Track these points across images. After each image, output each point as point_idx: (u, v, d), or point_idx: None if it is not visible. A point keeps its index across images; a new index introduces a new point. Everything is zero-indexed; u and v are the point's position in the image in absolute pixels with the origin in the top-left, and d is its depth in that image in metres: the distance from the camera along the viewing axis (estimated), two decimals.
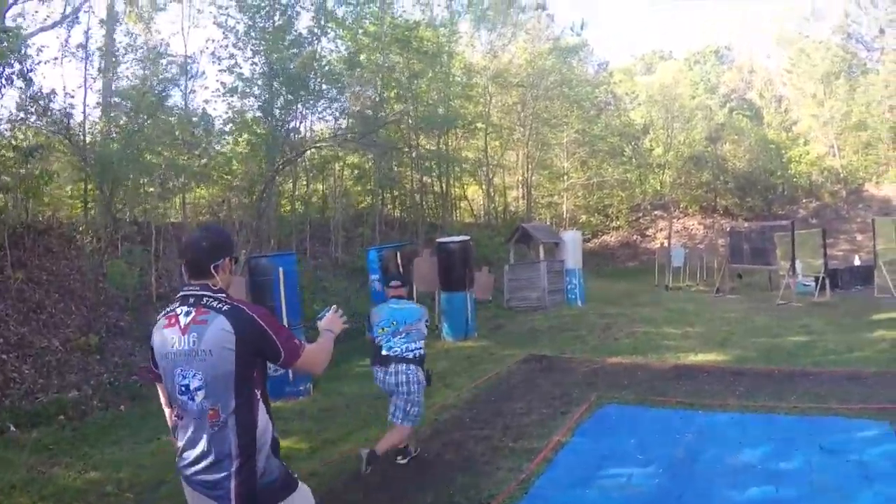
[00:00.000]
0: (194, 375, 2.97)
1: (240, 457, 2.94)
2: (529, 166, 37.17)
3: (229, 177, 21.78)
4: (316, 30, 23.35)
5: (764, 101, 49.97)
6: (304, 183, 25.94)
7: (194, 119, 20.84)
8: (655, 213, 43.44)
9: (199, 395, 2.97)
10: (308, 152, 24.07)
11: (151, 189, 19.75)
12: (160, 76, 20.69)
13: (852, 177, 42.98)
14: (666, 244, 31.83)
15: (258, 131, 21.78)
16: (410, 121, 29.12)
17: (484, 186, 35.67)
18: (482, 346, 14.26)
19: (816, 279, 20.06)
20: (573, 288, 20.82)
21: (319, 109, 25.16)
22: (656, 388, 9.43)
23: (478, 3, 34.73)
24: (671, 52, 64.14)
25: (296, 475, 3.29)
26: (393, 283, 7.00)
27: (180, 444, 3.09)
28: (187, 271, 3.19)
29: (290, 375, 10.12)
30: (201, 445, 2.98)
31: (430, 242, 20.05)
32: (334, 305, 3.81)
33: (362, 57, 26.98)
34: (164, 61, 21.23)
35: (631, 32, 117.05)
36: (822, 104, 43.35)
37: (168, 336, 3.06)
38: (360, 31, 27.07)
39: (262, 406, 3.10)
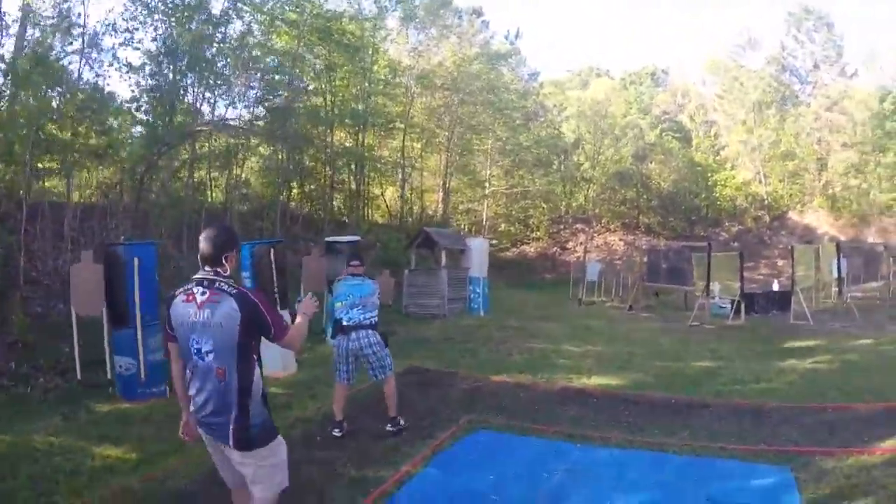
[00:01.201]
0: (206, 341, 3.79)
1: (238, 404, 3.80)
2: (449, 170, 36.05)
3: (120, 157, 20.09)
4: (231, 11, 21.91)
5: (694, 124, 50.20)
6: (205, 171, 24.36)
7: (86, 94, 19.06)
8: (577, 226, 42.81)
9: (210, 357, 3.80)
10: (213, 140, 22.67)
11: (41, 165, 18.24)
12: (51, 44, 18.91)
13: (776, 203, 43.39)
14: (582, 258, 31.02)
15: (137, 115, 20.34)
16: (326, 114, 27.79)
17: (399, 188, 34.44)
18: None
19: (732, 301, 19.42)
20: (476, 297, 19.90)
21: (221, 94, 23.61)
22: (537, 414, 8.41)
23: (409, 0, 33.42)
24: (608, 70, 64.10)
25: (276, 427, 4.12)
26: (352, 262, 7.78)
27: (191, 392, 3.95)
28: (202, 260, 3.94)
29: (142, 376, 9.47)
30: (208, 395, 3.85)
31: None
32: (310, 293, 4.85)
33: (279, 44, 25.61)
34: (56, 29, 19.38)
35: (571, 48, 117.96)
36: (751, 131, 43.82)
37: (185, 309, 3.86)
38: (279, 16, 25.54)
39: (256, 368, 3.93)
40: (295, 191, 29.34)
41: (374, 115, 30.46)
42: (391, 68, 32.48)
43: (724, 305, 20.15)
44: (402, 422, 7.62)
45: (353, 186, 31.32)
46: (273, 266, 11.72)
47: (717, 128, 48.92)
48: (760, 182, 43.48)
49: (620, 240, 41.77)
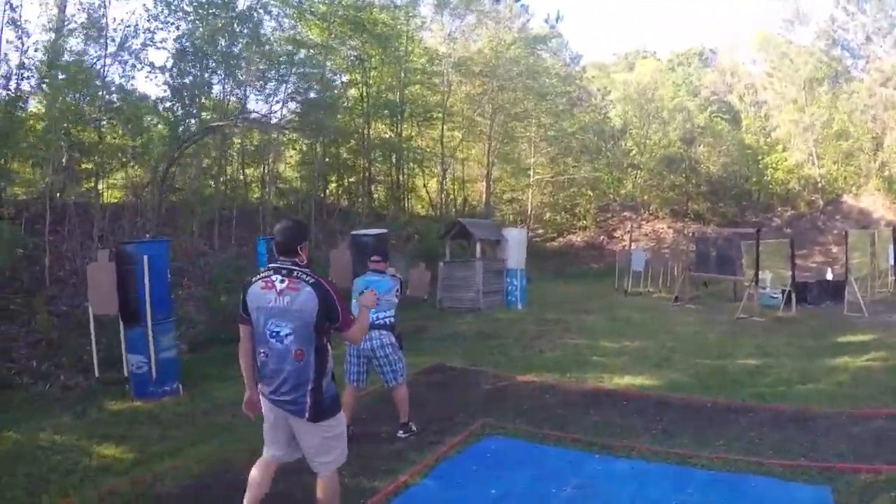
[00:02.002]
0: (286, 326, 4.17)
1: (314, 381, 4.22)
2: (492, 159, 35.46)
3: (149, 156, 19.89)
4: (258, 7, 21.59)
5: (744, 104, 48.66)
6: (239, 166, 24.07)
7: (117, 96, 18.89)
8: (624, 214, 41.84)
9: (289, 340, 4.18)
10: (246, 136, 22.39)
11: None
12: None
13: (830, 186, 41.64)
14: (627, 246, 30.21)
15: (163, 114, 20.05)
16: (364, 106, 27.35)
17: (439, 178, 33.91)
18: None
19: (783, 292, 18.57)
20: (513, 290, 19.32)
21: (254, 90, 23.40)
22: (558, 418, 7.86)
23: None
24: (655, 52, 62.83)
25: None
26: (373, 257, 7.63)
27: (265, 372, 4.33)
28: (278, 250, 4.33)
29: (154, 374, 9.51)
30: (286, 374, 4.21)
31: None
32: (371, 286, 5.52)
33: (310, 37, 25.25)
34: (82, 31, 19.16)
35: (616, 31, 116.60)
36: (802, 110, 42.10)
37: (265, 295, 4.22)
38: (309, 9, 25.18)
39: (328, 347, 4.36)
40: (333, 185, 28.93)
41: (411, 105, 29.99)
42: (427, 57, 31.92)
43: (775, 296, 19.24)
44: (413, 427, 7.36)
45: (393, 178, 30.81)
46: None
47: (768, 108, 47.15)
48: (813, 164, 41.70)
49: (669, 227, 40.61)
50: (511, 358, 11.90)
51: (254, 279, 4.35)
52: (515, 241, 20.00)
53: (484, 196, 36.92)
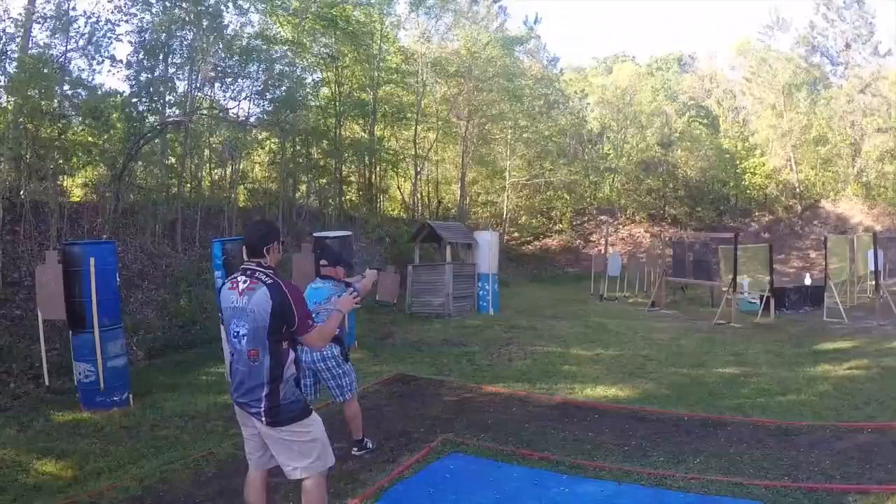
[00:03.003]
0: (243, 325, 4.10)
1: (269, 384, 4.08)
2: (466, 161, 35.14)
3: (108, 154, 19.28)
4: (229, 2, 21.07)
5: (722, 109, 48.87)
6: (206, 165, 23.50)
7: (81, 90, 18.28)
8: (601, 218, 41.59)
9: (244, 340, 4.10)
10: (214, 134, 21.97)
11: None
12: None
13: (808, 192, 41.96)
14: (603, 251, 29.94)
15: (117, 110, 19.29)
16: (336, 105, 27.01)
17: (412, 180, 33.47)
18: (356, 359, 11.78)
19: (762, 297, 18.35)
20: (485, 294, 18.91)
21: (222, 87, 22.72)
22: (525, 433, 7.39)
23: None
24: (634, 56, 62.81)
25: (311, 407, 4.44)
26: (322, 261, 7.10)
27: (231, 372, 4.35)
28: (246, 252, 4.34)
29: (101, 385, 8.95)
30: (242, 376, 4.16)
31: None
32: (352, 287, 5.40)
33: (281, 33, 24.76)
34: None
35: (595, 37, 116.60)
36: (781, 116, 42.34)
37: (229, 296, 4.22)
38: (281, 5, 24.63)
39: (289, 353, 4.20)
40: (303, 185, 28.39)
41: (384, 104, 29.53)
42: (402, 56, 31.48)
43: (753, 301, 19.09)
44: (369, 444, 6.93)
45: (365, 179, 30.34)
46: None
47: (746, 113, 47.61)
48: (791, 169, 41.94)
49: (646, 231, 40.56)
50: (478, 367, 11.43)
51: (225, 282, 4.41)
52: (487, 244, 19.57)
53: (458, 198, 36.52)
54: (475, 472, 6.18)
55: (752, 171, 42.66)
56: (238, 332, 4.15)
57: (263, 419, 4.12)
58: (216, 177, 24.77)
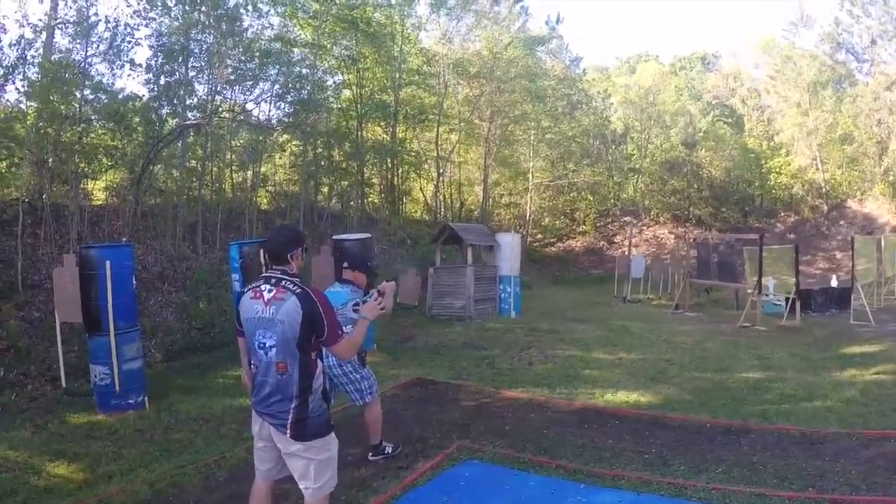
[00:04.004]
0: (270, 336, 3.99)
1: (298, 397, 3.98)
2: (490, 162, 35.07)
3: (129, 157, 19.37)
4: (246, 4, 21.06)
5: (747, 108, 48.33)
6: (227, 168, 23.51)
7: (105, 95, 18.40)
8: (625, 219, 41.37)
9: (272, 352, 3.98)
10: (236, 137, 22.01)
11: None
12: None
13: (834, 191, 41.32)
14: (627, 252, 29.71)
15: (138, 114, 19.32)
16: (358, 108, 27.03)
17: (434, 182, 33.41)
18: (375, 363, 11.71)
19: (787, 299, 18.17)
20: (506, 297, 18.75)
21: (244, 90, 22.80)
22: (543, 440, 7.25)
23: None
24: (657, 55, 62.48)
25: (332, 422, 4.29)
26: (344, 264, 7.03)
27: (255, 384, 4.15)
28: (269, 258, 4.25)
29: (117, 387, 8.96)
30: (270, 387, 4.02)
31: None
32: (375, 292, 4.71)
33: (302, 36, 24.75)
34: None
35: (619, 37, 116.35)
36: (806, 114, 41.76)
37: (253, 305, 4.08)
38: (301, 7, 24.67)
39: (318, 363, 4.15)
40: (325, 188, 28.38)
41: (406, 106, 29.48)
42: (423, 57, 31.39)
43: (778, 303, 18.92)
44: (387, 449, 6.81)
45: (387, 181, 30.30)
46: (264, 267, 10.59)
47: (771, 112, 47.01)
48: (817, 169, 41.38)
49: (670, 233, 40.03)
50: (498, 371, 11.29)
51: (245, 290, 4.28)
52: (509, 246, 19.39)
53: (480, 200, 36.43)
54: (490, 480, 6.06)
55: (777, 170, 42.21)
56: (265, 344, 4.03)
57: (288, 432, 3.99)
58: (238, 179, 24.78)
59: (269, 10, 23.39)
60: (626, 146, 43.58)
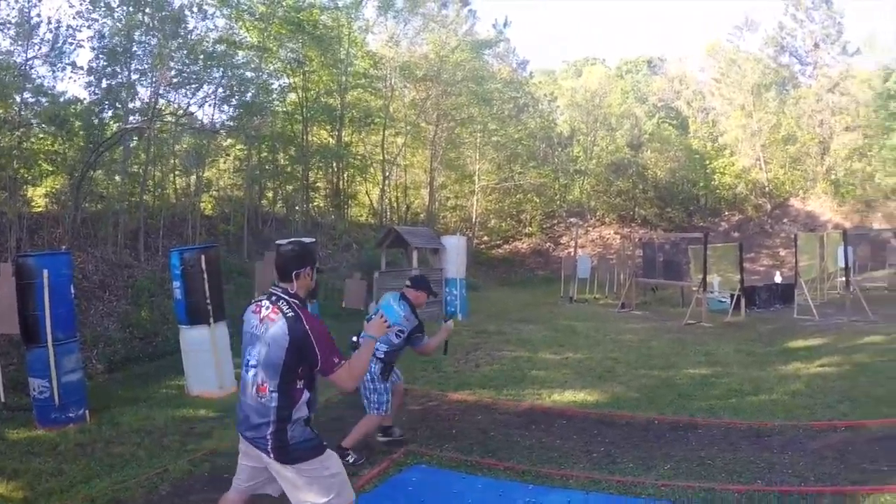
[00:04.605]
0: (255, 356, 3.79)
1: (276, 423, 3.70)
2: (435, 165, 35.05)
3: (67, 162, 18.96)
4: (194, 7, 20.83)
5: (691, 110, 49.15)
6: (170, 173, 23.12)
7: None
8: (571, 220, 41.48)
9: (253, 372, 3.79)
10: (179, 141, 21.55)
11: None
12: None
13: (778, 190, 42.55)
14: (572, 253, 29.87)
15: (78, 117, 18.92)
16: (303, 111, 26.79)
17: (380, 185, 33.23)
18: None
19: (732, 296, 18.44)
20: (452, 300, 18.48)
21: (187, 93, 22.38)
22: (491, 442, 7.16)
23: None
24: (604, 59, 63.15)
25: (325, 443, 3.95)
26: (407, 283, 6.98)
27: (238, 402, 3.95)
28: (276, 273, 3.95)
29: (57, 401, 8.56)
30: (247, 409, 3.80)
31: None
32: (382, 311, 4.77)
33: (248, 38, 24.46)
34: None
35: (566, 41, 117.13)
36: (750, 115, 42.83)
37: (251, 319, 3.92)
38: (248, 10, 24.31)
39: (303, 393, 3.82)
40: (270, 192, 28.07)
41: (352, 109, 29.28)
42: (370, 60, 31.19)
43: (723, 300, 19.24)
44: (350, 458, 6.44)
45: (333, 185, 30.08)
46: (205, 275, 10.33)
47: (715, 114, 48.00)
48: (761, 168, 42.54)
49: (616, 233, 40.51)
50: (444, 374, 11.14)
51: (251, 303, 4.06)
52: (454, 249, 19.22)
53: (426, 203, 36.39)
54: (438, 485, 5.95)
55: (721, 170, 43.21)
56: (248, 362, 3.85)
57: (271, 454, 3.76)
58: (181, 185, 24.39)
59: (214, 12, 23.09)
60: (572, 148, 43.86)
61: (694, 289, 18.54)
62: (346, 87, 28.96)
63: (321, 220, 28.24)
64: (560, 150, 43.36)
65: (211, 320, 10.01)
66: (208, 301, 10.16)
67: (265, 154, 26.53)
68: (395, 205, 35.53)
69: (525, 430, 7.57)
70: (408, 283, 6.92)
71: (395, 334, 6.48)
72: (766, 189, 42.09)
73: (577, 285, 25.00)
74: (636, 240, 24.82)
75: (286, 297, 3.82)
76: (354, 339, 5.95)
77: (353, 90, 29.84)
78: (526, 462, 6.41)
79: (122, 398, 10.04)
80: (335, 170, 29.99)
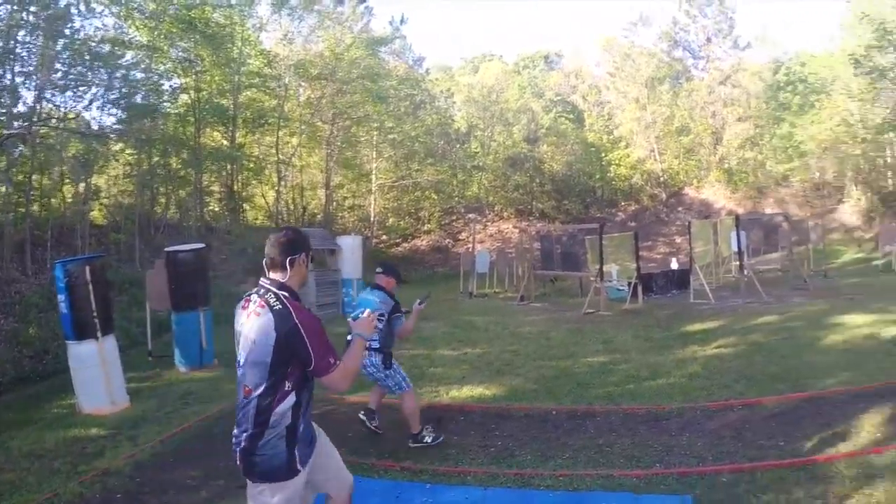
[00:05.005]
0: (242, 354, 3.50)
1: (253, 427, 3.37)
2: (331, 165, 34.67)
3: None
4: (80, 4, 19.95)
5: (587, 104, 49.88)
6: (65, 181, 22.25)
7: None
8: (470, 216, 41.82)
9: (241, 371, 3.49)
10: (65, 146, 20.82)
11: None
12: None
13: (673, 180, 43.69)
14: (471, 248, 29.85)
15: None
16: (196, 112, 26.16)
17: (276, 187, 32.72)
18: (215, 378, 11.37)
19: (630, 284, 18.60)
20: (350, 300, 18.14)
21: (75, 95, 21.32)
22: (387, 443, 7.11)
23: None
24: (502, 55, 63.39)
25: (297, 468, 3.48)
26: (378, 269, 7.20)
27: None
28: (266, 265, 3.65)
29: None
30: (238, 412, 3.49)
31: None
32: (368, 309, 4.12)
33: (137, 37, 23.58)
34: None
35: (467, 40, 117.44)
36: (644, 108, 43.84)
37: (239, 316, 3.60)
38: (136, 8, 23.44)
39: (290, 396, 3.43)
40: (163, 197, 27.19)
41: (246, 110, 28.63)
42: (264, 59, 30.51)
43: (622, 288, 19.40)
44: (427, 439, 6.88)
45: (227, 188, 29.38)
46: (91, 286, 9.82)
47: (611, 107, 48.89)
48: (655, 159, 43.64)
49: (515, 227, 40.59)
50: None
51: (243, 296, 3.75)
52: (350, 249, 19.14)
53: (323, 203, 36.04)
54: None
55: (617, 162, 44.20)
56: (239, 361, 3.52)
57: (237, 462, 3.45)
58: (69, 193, 23.40)
59: (102, 10, 22.17)
60: (470, 144, 44.06)
61: (592, 279, 18.66)
62: (240, 87, 28.38)
63: (216, 224, 27.48)
64: (459, 146, 43.47)
65: (99, 334, 9.60)
66: (95, 314, 9.71)
67: (157, 158, 25.65)
68: (291, 207, 34.97)
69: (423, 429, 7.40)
70: (378, 269, 7.19)
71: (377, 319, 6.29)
72: (662, 179, 43.20)
73: (476, 280, 25.01)
74: (533, 233, 24.91)
75: (274, 288, 3.51)
76: (349, 338, 5.76)
77: (247, 90, 29.27)
78: (423, 461, 6.37)
79: (11, 421, 9.61)
80: (229, 172, 29.23)
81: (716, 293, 17.16)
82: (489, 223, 41.98)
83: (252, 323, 3.43)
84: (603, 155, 44.53)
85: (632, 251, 19.27)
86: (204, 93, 27.41)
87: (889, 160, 33.07)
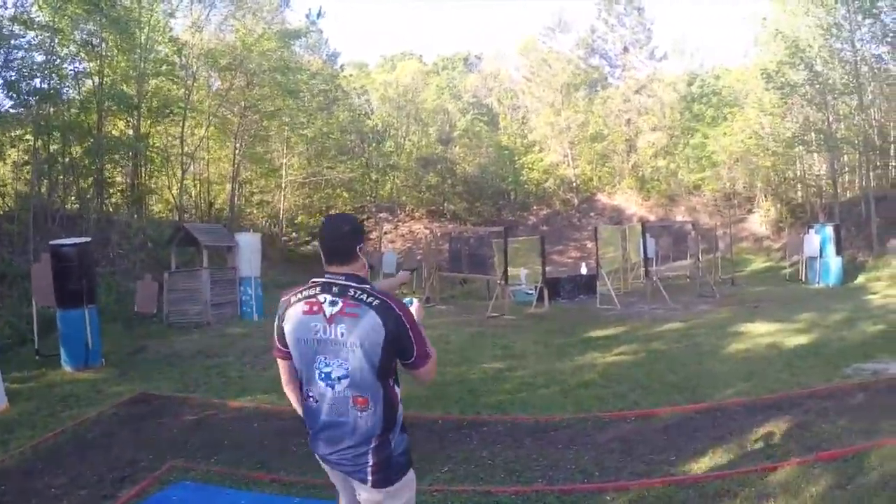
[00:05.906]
0: (339, 365, 2.97)
1: (380, 437, 2.99)
2: (239, 159, 33.84)
3: None
4: None
5: (502, 107, 50.14)
6: None
7: None
8: (381, 215, 41.84)
9: (343, 384, 2.97)
10: None
11: None
12: None
13: (585, 185, 44.52)
14: (379, 248, 29.56)
15: None
16: (99, 99, 25.02)
17: (179, 180, 31.73)
18: (100, 379, 10.82)
19: (537, 288, 18.64)
20: (248, 300, 17.76)
21: None
22: (262, 452, 6.72)
23: None
24: (421, 55, 63.38)
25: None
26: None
27: (313, 425, 3.13)
28: (329, 258, 3.12)
29: None
30: (343, 429, 2.99)
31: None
32: (416, 299, 3.53)
33: (38, 17, 22.49)
34: None
35: (387, 38, 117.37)
36: (559, 113, 44.48)
37: (309, 322, 3.01)
38: None
39: (397, 389, 3.12)
40: (62, 187, 26.07)
41: (151, 99, 27.64)
42: (173, 47, 29.46)
43: (530, 292, 19.53)
44: None
45: (131, 180, 28.37)
46: None
47: (526, 111, 49.53)
48: (569, 165, 44.32)
49: (426, 228, 40.74)
50: (228, 379, 10.51)
51: (293, 298, 3.12)
52: (249, 246, 18.51)
53: (230, 198, 35.10)
54: (200, 502, 5.49)
55: (530, 166, 44.87)
56: (331, 374, 2.98)
57: (370, 480, 3.00)
58: None
59: None
60: (385, 143, 43.82)
61: (498, 282, 18.48)
62: (146, 75, 27.31)
63: (116, 216, 26.44)
64: (374, 144, 43.19)
65: None
66: None
67: (57, 146, 24.52)
68: (198, 201, 34.10)
69: (301, 437, 6.84)
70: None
71: None
72: (575, 184, 43.85)
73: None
74: (438, 234, 24.74)
75: (355, 283, 3.00)
76: None
77: (154, 78, 28.21)
78: (295, 473, 6.00)
79: None
80: (133, 163, 28.19)
81: (623, 299, 17.35)
82: (401, 223, 42.11)
83: (347, 326, 2.93)
84: (517, 158, 45.05)
85: (540, 255, 19.21)
86: (108, 79, 26.37)
87: (798, 173, 34.01)
